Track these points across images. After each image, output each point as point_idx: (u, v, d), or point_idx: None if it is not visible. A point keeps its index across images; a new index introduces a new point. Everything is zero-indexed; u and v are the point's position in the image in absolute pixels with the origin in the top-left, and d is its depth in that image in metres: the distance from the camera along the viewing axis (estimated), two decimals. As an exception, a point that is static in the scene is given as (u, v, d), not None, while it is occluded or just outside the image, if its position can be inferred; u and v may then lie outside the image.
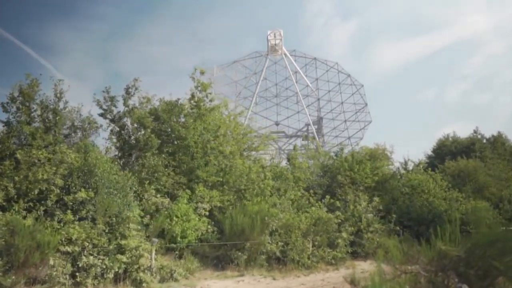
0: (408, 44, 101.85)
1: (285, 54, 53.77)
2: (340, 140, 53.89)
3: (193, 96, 17.98)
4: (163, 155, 16.58)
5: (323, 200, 19.37)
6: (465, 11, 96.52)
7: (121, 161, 17.29)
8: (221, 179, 17.03)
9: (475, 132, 42.46)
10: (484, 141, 41.40)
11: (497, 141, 40.61)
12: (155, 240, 12.19)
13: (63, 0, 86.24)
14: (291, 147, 44.99)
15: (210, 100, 18.04)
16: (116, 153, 16.85)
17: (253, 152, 24.06)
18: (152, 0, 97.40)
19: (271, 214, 15.08)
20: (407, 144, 66.92)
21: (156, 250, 12.59)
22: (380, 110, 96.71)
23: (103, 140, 17.58)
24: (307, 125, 57.47)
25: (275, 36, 51.98)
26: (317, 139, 52.35)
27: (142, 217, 13.35)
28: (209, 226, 15.37)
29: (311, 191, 20.15)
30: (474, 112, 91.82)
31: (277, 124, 61.52)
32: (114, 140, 16.70)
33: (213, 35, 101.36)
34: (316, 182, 21.90)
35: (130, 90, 16.90)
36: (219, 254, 14.61)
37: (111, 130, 16.99)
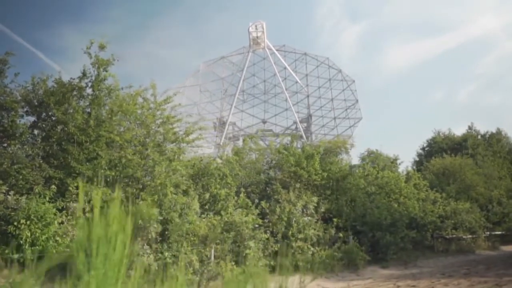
0: (418, 45, 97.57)
1: (269, 48, 50.42)
2: (328, 138, 50.52)
3: (84, 74, 14.85)
4: (39, 144, 13.57)
5: (260, 202, 16.56)
6: (475, 11, 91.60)
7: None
8: (112, 174, 13.94)
9: (469, 128, 38.55)
10: (479, 137, 37.47)
11: (493, 137, 36.60)
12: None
13: (72, 4, 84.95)
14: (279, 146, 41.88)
15: (103, 79, 14.86)
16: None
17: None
18: (160, 3, 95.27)
19: (149, 217, 11.83)
20: (414, 146, 62.92)
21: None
22: (387, 111, 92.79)
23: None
24: (295, 123, 54.27)
25: (256, 28, 48.53)
26: (305, 137, 49.03)
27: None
28: (85, 232, 12.33)
29: (242, 190, 16.99)
30: (485, 113, 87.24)
31: (264, 122, 58.29)
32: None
33: (220, 36, 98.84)
34: (253, 180, 18.54)
35: None
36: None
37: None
